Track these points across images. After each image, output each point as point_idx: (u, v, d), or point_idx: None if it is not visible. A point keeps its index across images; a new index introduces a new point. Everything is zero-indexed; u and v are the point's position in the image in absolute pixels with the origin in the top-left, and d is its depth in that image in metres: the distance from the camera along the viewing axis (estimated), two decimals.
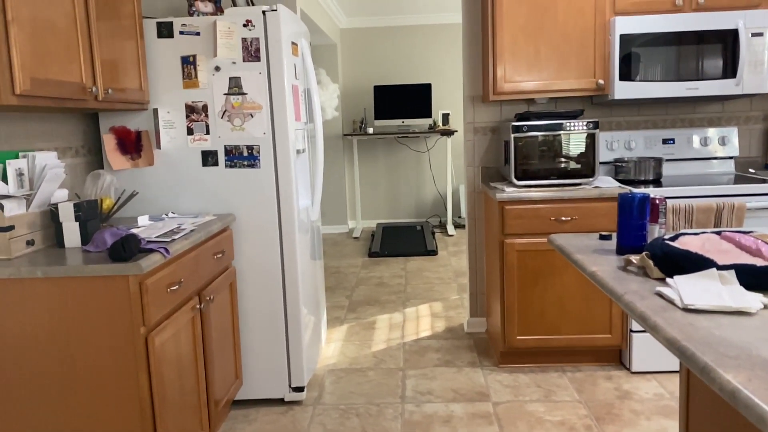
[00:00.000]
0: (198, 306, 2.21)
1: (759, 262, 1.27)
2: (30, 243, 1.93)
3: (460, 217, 7.17)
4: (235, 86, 2.55)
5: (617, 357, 3.05)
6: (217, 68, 2.55)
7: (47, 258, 1.84)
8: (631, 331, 2.90)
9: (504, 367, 3.08)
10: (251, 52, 2.53)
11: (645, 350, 2.89)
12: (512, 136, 2.96)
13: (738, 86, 2.95)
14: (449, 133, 6.57)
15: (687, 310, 1.14)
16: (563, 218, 2.88)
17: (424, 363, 3.19)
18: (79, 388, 1.79)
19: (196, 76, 2.54)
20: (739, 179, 3.03)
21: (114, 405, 1.80)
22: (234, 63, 2.54)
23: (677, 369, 2.91)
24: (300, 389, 2.78)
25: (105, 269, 1.73)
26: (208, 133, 2.59)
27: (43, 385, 1.80)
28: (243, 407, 2.76)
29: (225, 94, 2.56)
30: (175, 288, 1.97)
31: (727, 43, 2.93)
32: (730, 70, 2.95)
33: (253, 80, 2.55)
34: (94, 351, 1.77)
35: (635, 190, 2.06)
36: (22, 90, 1.67)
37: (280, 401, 2.80)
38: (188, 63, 2.54)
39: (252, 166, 2.60)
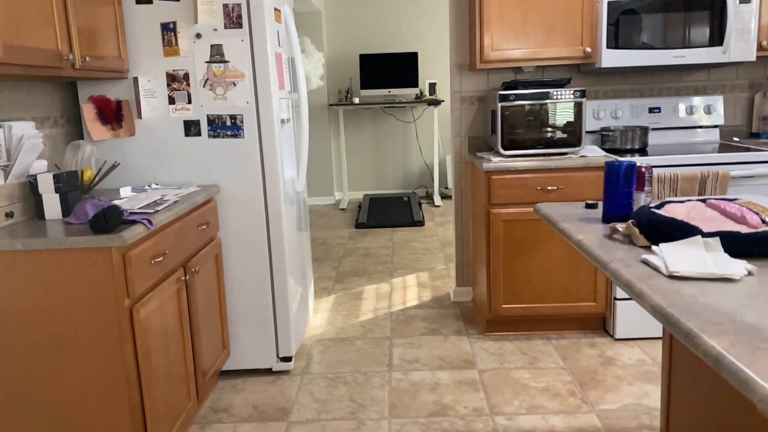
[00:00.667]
0: (183, 278, 2.19)
1: (743, 229, 1.28)
2: (9, 215, 1.90)
3: (446, 187, 7.17)
4: (217, 54, 2.50)
5: (601, 324, 3.09)
6: (198, 35, 2.49)
7: (27, 230, 1.81)
8: (615, 298, 2.93)
9: (490, 335, 3.11)
10: (233, 18, 2.47)
11: (628, 317, 2.93)
12: (499, 105, 2.94)
13: (725, 54, 2.94)
14: (436, 102, 6.51)
15: (672, 277, 1.15)
16: (549, 188, 2.88)
17: (410, 332, 3.21)
18: (64, 361, 1.78)
19: (176, 44, 2.48)
20: (723, 148, 3.04)
21: (100, 377, 1.79)
22: (215, 30, 2.48)
23: (660, 335, 2.96)
24: (288, 359, 2.80)
25: (87, 241, 1.70)
26: (190, 102, 2.54)
27: (28, 358, 1.78)
28: (231, 377, 2.77)
29: (206, 62, 2.50)
30: (159, 260, 1.96)
31: (714, 10, 2.91)
32: (717, 37, 2.93)
33: (235, 47, 2.49)
34: (79, 324, 1.76)
35: (621, 159, 2.06)
36: None
37: (268, 371, 2.82)
38: (168, 30, 2.47)
39: (235, 136, 2.56)
